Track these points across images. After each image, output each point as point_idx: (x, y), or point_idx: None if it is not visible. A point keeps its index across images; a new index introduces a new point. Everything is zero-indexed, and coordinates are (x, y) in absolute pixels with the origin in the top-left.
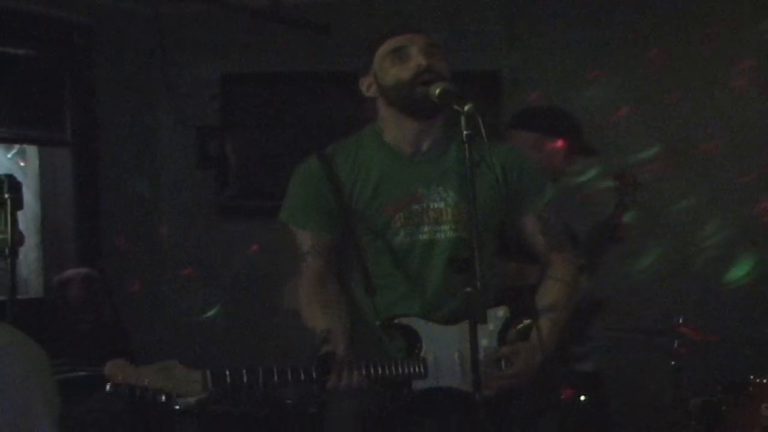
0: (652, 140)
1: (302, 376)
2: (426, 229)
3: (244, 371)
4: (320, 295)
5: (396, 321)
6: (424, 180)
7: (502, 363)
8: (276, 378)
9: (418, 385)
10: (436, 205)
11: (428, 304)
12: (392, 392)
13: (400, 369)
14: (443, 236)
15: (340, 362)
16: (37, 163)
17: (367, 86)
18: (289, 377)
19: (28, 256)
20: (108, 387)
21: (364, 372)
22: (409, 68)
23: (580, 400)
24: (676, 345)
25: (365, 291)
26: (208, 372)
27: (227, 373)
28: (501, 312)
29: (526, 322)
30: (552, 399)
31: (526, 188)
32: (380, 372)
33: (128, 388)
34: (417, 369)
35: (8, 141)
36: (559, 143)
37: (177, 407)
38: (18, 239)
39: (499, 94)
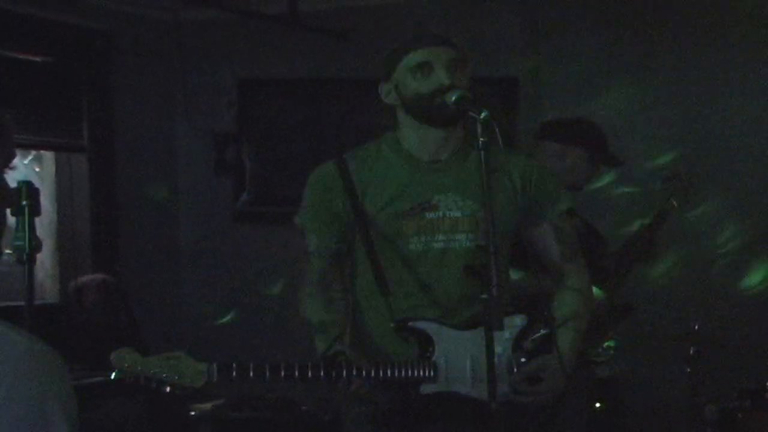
0: (670, 145)
1: (310, 374)
2: (440, 237)
3: (250, 367)
4: (321, 293)
5: (410, 324)
6: (441, 188)
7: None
8: (283, 374)
9: (428, 388)
10: (452, 214)
11: (444, 310)
12: (399, 394)
13: (409, 372)
14: (458, 245)
15: (349, 363)
16: (53, 169)
17: (386, 93)
18: (297, 374)
19: (44, 261)
20: (113, 374)
21: (373, 374)
22: (430, 83)
23: (596, 406)
24: (692, 351)
25: (379, 293)
26: (214, 364)
27: (233, 365)
28: (518, 320)
29: (543, 331)
30: (568, 405)
31: (541, 197)
32: (389, 374)
33: (133, 376)
34: (426, 372)
35: (25, 147)
36: (582, 153)
37: (193, 413)
38: (36, 246)
39: (517, 100)
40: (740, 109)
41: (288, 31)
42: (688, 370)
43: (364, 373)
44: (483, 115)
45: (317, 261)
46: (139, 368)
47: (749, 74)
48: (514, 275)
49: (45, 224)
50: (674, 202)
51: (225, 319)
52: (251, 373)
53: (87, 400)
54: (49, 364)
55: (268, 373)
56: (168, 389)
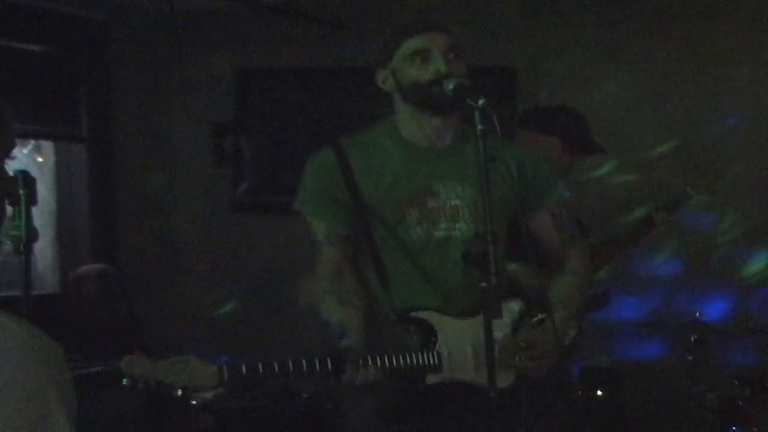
0: (670, 134)
1: (318, 370)
2: (442, 225)
3: (259, 364)
4: (335, 287)
5: (412, 314)
6: (440, 176)
7: (520, 347)
8: (291, 371)
9: (433, 378)
10: (452, 202)
11: (445, 299)
12: (406, 385)
13: (414, 361)
14: (459, 233)
15: (355, 357)
16: (53, 158)
17: (383, 79)
18: (305, 370)
19: (44, 251)
20: (125, 380)
21: (378, 365)
22: (428, 71)
23: (596, 395)
24: (693, 339)
25: (380, 284)
26: (224, 366)
27: (243, 366)
28: (516, 305)
29: (540, 315)
30: (564, 393)
31: (538, 185)
32: (395, 365)
33: (144, 382)
34: (431, 362)
35: (24, 136)
36: (556, 142)
37: (194, 402)
38: (32, 235)
39: (515, 89)
40: (740, 96)
41: (285, 20)
42: (689, 358)
43: (370, 366)
44: (481, 102)
45: (328, 250)
46: (150, 373)
47: (749, 61)
48: (511, 267)
49: (45, 214)
50: (691, 191)
51: (225, 309)
52: (260, 371)
53: (87, 390)
54: (48, 355)
55: (277, 370)
56: (179, 393)
